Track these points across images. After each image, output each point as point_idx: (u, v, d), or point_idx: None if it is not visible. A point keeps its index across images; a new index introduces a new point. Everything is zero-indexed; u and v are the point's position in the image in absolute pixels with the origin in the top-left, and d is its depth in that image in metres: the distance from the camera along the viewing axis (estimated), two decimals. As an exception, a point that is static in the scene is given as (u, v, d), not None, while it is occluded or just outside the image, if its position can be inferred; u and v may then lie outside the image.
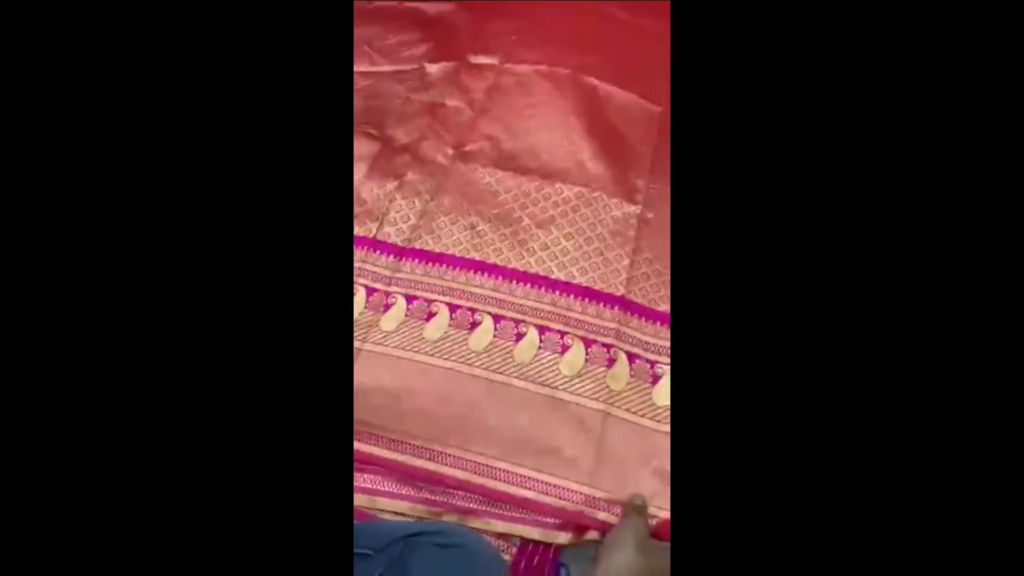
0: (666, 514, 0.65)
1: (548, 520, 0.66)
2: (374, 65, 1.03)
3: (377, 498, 0.67)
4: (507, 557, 0.65)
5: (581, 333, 0.74)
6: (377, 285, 0.79)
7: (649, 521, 0.64)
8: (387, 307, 0.77)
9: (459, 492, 0.67)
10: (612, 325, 0.75)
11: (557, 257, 0.79)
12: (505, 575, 0.61)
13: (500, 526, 0.66)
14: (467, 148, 0.90)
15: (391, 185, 0.87)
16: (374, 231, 0.83)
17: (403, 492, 0.68)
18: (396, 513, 0.67)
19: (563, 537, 0.65)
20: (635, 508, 0.64)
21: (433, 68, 1.01)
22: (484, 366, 0.73)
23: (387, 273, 0.80)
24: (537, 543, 0.65)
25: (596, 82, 0.93)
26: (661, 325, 0.76)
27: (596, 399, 0.71)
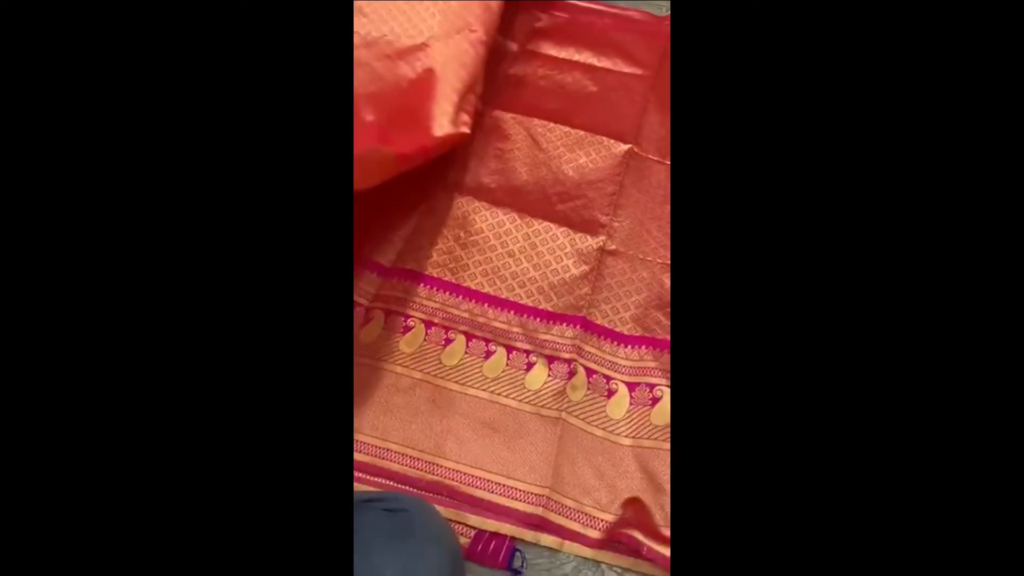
0: (611, 517, 0.73)
1: (506, 518, 0.73)
2: None
3: None
4: (464, 540, 0.72)
5: (546, 352, 0.83)
6: (361, 300, 0.86)
7: None
8: (367, 321, 0.84)
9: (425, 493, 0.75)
10: (574, 343, 0.83)
11: (526, 285, 0.87)
12: (452, 543, 0.62)
13: (450, 514, 0.73)
14: (449, 176, 0.97)
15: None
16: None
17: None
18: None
19: (515, 531, 0.73)
20: None
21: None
22: (454, 379, 0.81)
23: (371, 290, 0.87)
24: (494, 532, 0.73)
25: (568, 129, 1.02)
26: (618, 344, 0.84)
27: (555, 409, 0.79)
